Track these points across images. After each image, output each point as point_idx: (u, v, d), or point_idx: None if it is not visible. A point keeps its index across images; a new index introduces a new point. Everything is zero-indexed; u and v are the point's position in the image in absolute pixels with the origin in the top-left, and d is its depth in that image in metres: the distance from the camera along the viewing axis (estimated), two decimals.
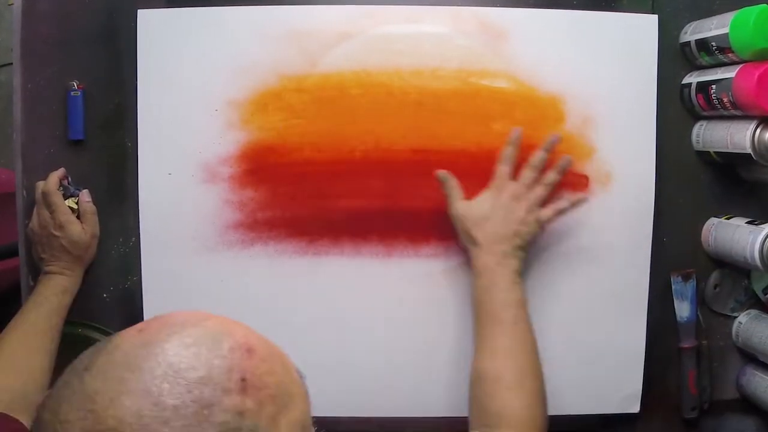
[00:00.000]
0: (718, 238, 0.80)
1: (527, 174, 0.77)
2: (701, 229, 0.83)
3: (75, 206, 0.80)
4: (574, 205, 0.78)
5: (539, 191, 0.76)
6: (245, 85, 0.80)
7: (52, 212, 0.78)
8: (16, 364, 0.73)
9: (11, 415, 0.64)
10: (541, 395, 0.71)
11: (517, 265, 0.74)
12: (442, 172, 0.78)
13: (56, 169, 0.81)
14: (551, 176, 0.77)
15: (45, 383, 0.74)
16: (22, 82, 0.81)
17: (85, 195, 0.81)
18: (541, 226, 0.76)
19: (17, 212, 0.82)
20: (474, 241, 0.75)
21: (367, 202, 0.81)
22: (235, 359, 0.37)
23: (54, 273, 0.79)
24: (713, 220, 0.82)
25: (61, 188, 0.80)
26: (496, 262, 0.73)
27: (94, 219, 0.82)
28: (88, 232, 0.81)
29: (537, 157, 0.77)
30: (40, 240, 0.79)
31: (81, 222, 0.80)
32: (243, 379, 0.36)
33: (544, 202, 0.77)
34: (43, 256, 0.79)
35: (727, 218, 0.80)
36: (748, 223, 0.77)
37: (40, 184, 0.80)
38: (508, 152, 0.77)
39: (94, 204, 0.82)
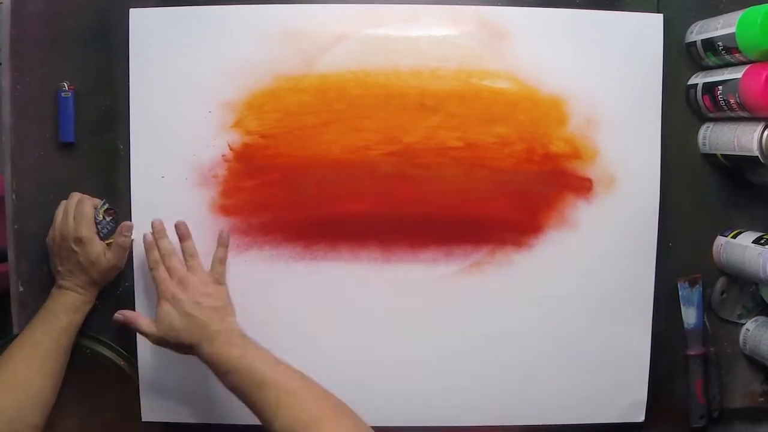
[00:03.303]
0: (729, 259, 0.79)
1: (171, 263, 0.76)
2: (708, 234, 0.82)
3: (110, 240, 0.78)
4: (226, 245, 0.78)
5: (190, 262, 0.77)
6: (240, 85, 0.78)
7: (77, 224, 0.76)
8: (15, 384, 0.71)
9: None
10: (339, 411, 0.68)
11: (233, 327, 0.74)
12: (117, 315, 0.76)
13: (46, 171, 0.79)
14: (186, 244, 0.78)
15: (46, 404, 0.73)
16: (11, 83, 0.80)
17: (125, 228, 0.78)
18: (222, 280, 0.77)
19: (6, 217, 0.81)
20: (192, 346, 0.72)
21: (365, 205, 0.79)
22: None
23: (67, 288, 0.77)
24: (720, 240, 0.81)
25: (104, 218, 0.78)
26: (220, 344, 0.71)
27: (123, 254, 0.79)
28: (111, 261, 0.78)
29: (163, 244, 0.77)
30: (58, 252, 0.77)
31: (108, 249, 0.78)
32: None
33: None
34: (59, 268, 0.77)
35: (734, 236, 0.79)
36: (755, 242, 0.76)
37: (76, 194, 0.78)
38: (151, 257, 0.77)
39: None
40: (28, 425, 0.71)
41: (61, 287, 0.77)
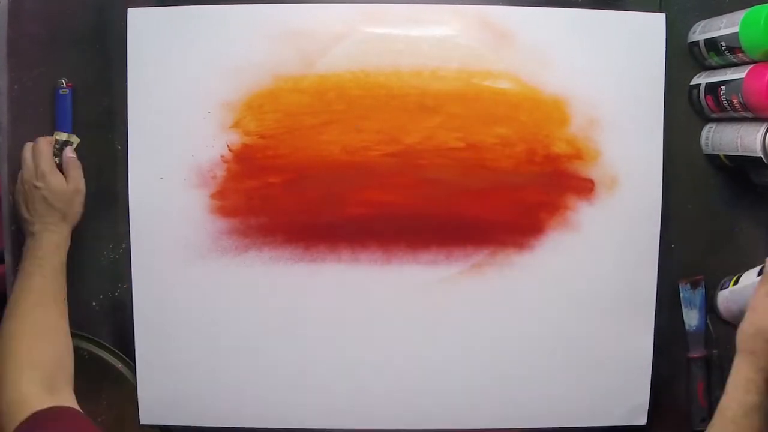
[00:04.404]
0: (732, 307, 0.77)
1: None
2: (710, 235, 0.82)
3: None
4: None
5: None
6: (239, 85, 0.78)
7: (37, 162, 0.75)
8: (43, 330, 0.69)
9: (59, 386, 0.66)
10: None
11: None
12: None
13: None
14: None
15: (71, 349, 0.71)
16: (9, 83, 0.79)
17: (68, 150, 0.78)
18: None
19: (3, 217, 0.80)
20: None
21: (365, 207, 0.79)
22: None
23: (39, 232, 0.74)
24: (724, 292, 0.79)
25: (56, 144, 0.77)
26: None
27: (78, 173, 0.77)
28: (71, 186, 0.76)
29: None
30: (25, 197, 0.76)
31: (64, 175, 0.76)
32: None
33: None
34: (26, 216, 0.75)
35: (734, 284, 0.77)
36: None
37: (38, 138, 0.77)
38: None
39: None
40: (68, 373, 0.69)
41: (33, 234, 0.74)
